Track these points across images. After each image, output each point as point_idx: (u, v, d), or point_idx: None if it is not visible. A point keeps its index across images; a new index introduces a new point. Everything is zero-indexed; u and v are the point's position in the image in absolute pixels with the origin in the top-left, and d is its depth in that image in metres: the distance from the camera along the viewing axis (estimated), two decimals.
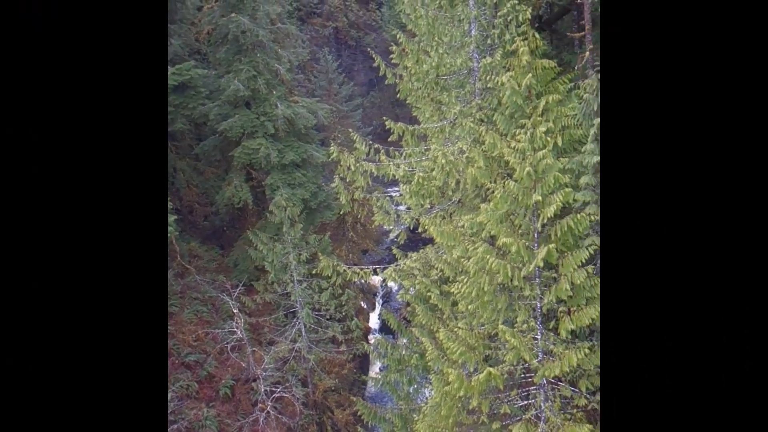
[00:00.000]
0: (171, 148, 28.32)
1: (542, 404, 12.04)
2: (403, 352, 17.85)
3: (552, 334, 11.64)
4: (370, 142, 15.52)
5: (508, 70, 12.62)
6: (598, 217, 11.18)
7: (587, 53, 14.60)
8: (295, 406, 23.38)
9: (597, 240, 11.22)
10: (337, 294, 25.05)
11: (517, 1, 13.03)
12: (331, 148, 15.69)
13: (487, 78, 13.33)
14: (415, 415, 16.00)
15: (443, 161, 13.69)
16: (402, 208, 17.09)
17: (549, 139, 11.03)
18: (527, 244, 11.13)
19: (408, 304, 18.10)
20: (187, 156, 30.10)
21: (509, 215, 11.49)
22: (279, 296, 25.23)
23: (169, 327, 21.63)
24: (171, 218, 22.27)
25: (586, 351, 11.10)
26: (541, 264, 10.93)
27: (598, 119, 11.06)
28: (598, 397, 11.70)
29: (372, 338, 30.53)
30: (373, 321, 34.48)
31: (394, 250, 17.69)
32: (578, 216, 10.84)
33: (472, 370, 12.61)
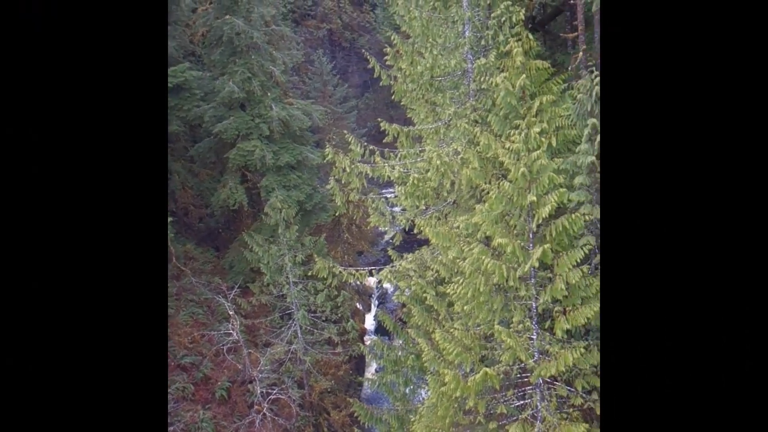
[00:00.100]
0: None
1: (538, 404, 12.07)
2: (399, 353, 17.87)
3: (548, 333, 11.68)
4: (365, 143, 15.54)
5: (502, 71, 12.66)
6: (593, 217, 11.23)
7: (580, 54, 14.67)
8: (292, 408, 23.36)
9: (592, 240, 11.27)
10: (332, 295, 25.04)
11: (510, 3, 13.07)
12: (326, 149, 15.71)
13: (482, 79, 13.37)
14: (411, 416, 16.03)
15: (438, 162, 13.72)
16: (397, 209, 17.12)
17: (543, 139, 11.07)
18: (522, 244, 11.17)
19: (404, 306, 18.10)
20: (182, 158, 30.06)
21: (504, 216, 11.52)
22: (275, 298, 25.21)
23: None
24: None
25: (582, 350, 11.14)
26: (537, 264, 10.97)
27: (592, 119, 11.11)
28: (594, 396, 11.75)
29: (368, 339, 30.54)
30: (369, 322, 34.52)
31: (390, 252, 17.71)
32: (573, 216, 10.88)
33: (468, 370, 12.63)
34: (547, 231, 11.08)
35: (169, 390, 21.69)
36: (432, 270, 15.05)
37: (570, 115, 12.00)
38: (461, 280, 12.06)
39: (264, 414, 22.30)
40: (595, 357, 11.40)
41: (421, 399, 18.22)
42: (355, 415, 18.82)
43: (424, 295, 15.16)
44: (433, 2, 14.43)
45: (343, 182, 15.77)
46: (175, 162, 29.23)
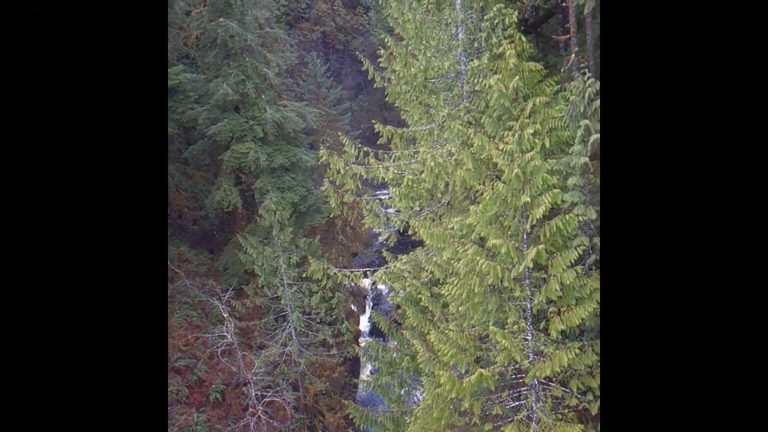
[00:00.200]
0: None
1: (534, 405, 12.09)
2: (394, 355, 17.87)
3: (542, 334, 11.71)
4: (359, 145, 15.56)
5: (496, 72, 12.70)
6: (586, 218, 11.28)
7: (572, 56, 14.72)
8: (286, 411, 23.33)
9: (585, 240, 11.31)
10: (327, 297, 25.03)
11: (503, 5, 13.12)
12: (321, 151, 15.72)
13: (475, 81, 13.41)
14: (406, 418, 16.03)
15: (432, 164, 13.75)
16: (391, 210, 17.14)
17: (537, 140, 11.12)
18: (517, 245, 11.20)
19: (398, 307, 18.14)
20: (176, 160, 30.01)
21: (498, 217, 11.56)
22: (269, 300, 25.18)
23: None
24: None
25: (577, 351, 11.17)
26: (531, 265, 11.00)
27: (585, 121, 11.16)
28: (589, 396, 11.78)
29: (362, 341, 30.52)
30: (364, 324, 34.49)
31: (384, 253, 17.72)
32: (567, 217, 10.92)
33: (463, 371, 12.65)
34: (541, 232, 11.11)
35: None
36: (426, 271, 15.06)
37: (563, 116, 12.05)
38: (456, 281, 12.08)
39: (258, 417, 22.26)
40: (590, 357, 11.44)
41: (416, 401, 18.20)
42: (350, 417, 18.80)
43: (419, 296, 15.17)
44: (427, 4, 14.46)
45: (337, 184, 15.78)
46: (169, 164, 29.15)
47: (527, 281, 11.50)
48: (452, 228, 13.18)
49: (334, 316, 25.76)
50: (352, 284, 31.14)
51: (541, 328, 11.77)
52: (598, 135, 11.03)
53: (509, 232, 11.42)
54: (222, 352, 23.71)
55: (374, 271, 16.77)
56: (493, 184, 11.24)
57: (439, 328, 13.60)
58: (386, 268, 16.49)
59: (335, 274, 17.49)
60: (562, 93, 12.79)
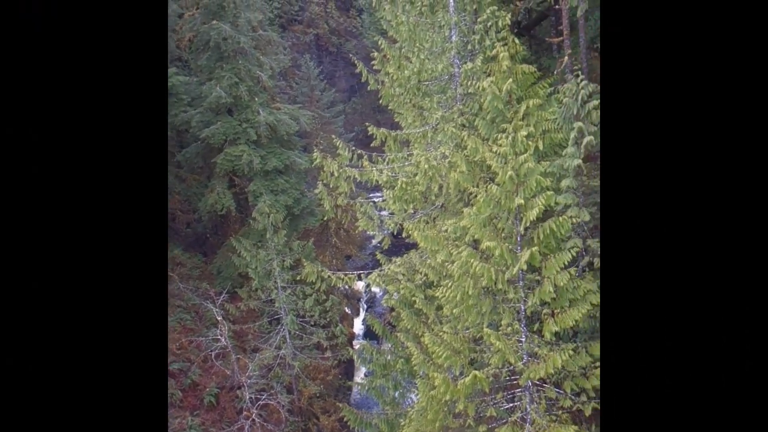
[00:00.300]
0: None
1: (528, 406, 12.11)
2: (388, 357, 17.86)
3: (536, 336, 11.74)
4: (353, 147, 15.57)
5: (489, 75, 12.73)
6: (580, 220, 11.31)
7: (566, 58, 14.76)
8: (281, 414, 23.28)
9: (579, 242, 11.34)
10: (321, 300, 25.01)
11: (496, 7, 13.16)
12: (314, 154, 15.72)
13: (468, 83, 13.44)
14: (401, 420, 16.03)
15: (426, 166, 13.77)
16: (385, 213, 17.15)
17: (530, 143, 11.15)
18: (510, 247, 11.22)
19: (392, 309, 18.12)
20: (169, 163, 29.90)
21: (492, 219, 11.58)
22: (263, 303, 25.14)
23: None
24: None
25: (570, 352, 11.20)
26: (525, 267, 11.02)
27: (578, 123, 11.21)
28: (583, 398, 11.80)
29: (357, 344, 30.46)
30: (358, 326, 34.48)
31: (378, 256, 17.72)
32: (560, 219, 10.95)
33: (457, 373, 12.67)
34: (535, 234, 11.14)
35: None
36: (420, 273, 15.07)
37: (556, 118, 12.09)
38: (450, 284, 12.09)
39: (253, 420, 22.20)
40: (584, 359, 11.47)
41: (410, 403, 18.21)
42: (345, 419, 18.77)
43: (413, 298, 15.18)
44: (420, 7, 14.49)
45: (331, 187, 15.78)
46: None
47: (521, 283, 11.53)
48: (446, 230, 13.20)
49: (328, 319, 25.75)
50: (346, 287, 31.19)
51: (535, 329, 11.80)
52: (592, 137, 11.07)
53: (503, 235, 11.45)
54: (216, 355, 23.63)
55: (368, 274, 16.76)
56: (486, 187, 11.27)
57: (433, 330, 13.61)
58: (380, 270, 16.49)
59: (329, 276, 17.49)
60: (555, 95, 12.83)
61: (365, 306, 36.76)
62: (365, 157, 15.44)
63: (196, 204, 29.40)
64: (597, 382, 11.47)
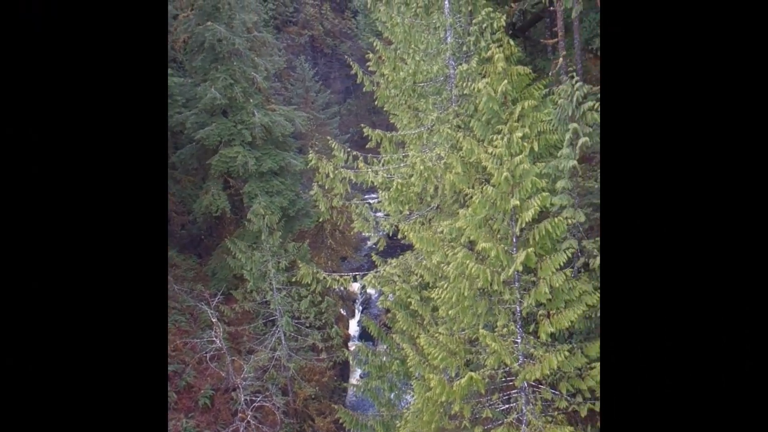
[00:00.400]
0: None
1: (523, 407, 12.12)
2: (384, 359, 17.85)
3: (532, 337, 11.74)
4: (348, 149, 15.56)
5: (484, 76, 12.74)
6: (575, 221, 11.33)
7: (560, 59, 14.81)
8: (276, 415, 23.23)
9: (574, 243, 11.36)
10: (316, 301, 24.96)
11: (491, 9, 13.19)
12: (310, 155, 15.71)
13: (464, 85, 13.46)
14: (396, 422, 16.01)
15: (421, 167, 13.77)
16: (381, 214, 17.12)
17: (525, 144, 11.16)
18: (506, 248, 11.23)
19: (388, 311, 18.10)
20: None
21: (488, 220, 11.58)
22: (258, 305, 25.09)
23: None
24: None
25: (566, 353, 11.21)
26: (520, 268, 11.03)
27: (573, 124, 11.23)
28: (578, 399, 11.82)
29: (352, 345, 30.45)
30: (353, 328, 34.45)
31: (374, 257, 17.71)
32: (555, 220, 10.96)
33: (453, 375, 12.66)
34: (531, 235, 11.15)
35: None
36: (416, 275, 15.08)
37: (551, 119, 12.12)
38: (445, 285, 12.09)
39: (248, 422, 22.15)
40: (579, 360, 11.49)
41: (406, 404, 18.17)
42: (340, 421, 18.76)
43: (409, 300, 15.17)
44: (415, 8, 14.50)
45: (326, 188, 15.76)
46: None
47: (517, 284, 11.53)
48: (442, 232, 13.20)
49: (323, 321, 25.71)
50: (342, 288, 31.22)
51: (530, 330, 11.81)
52: (587, 138, 11.10)
53: (498, 236, 11.46)
54: (211, 357, 23.58)
55: (364, 275, 16.76)
56: (482, 188, 11.28)
57: (428, 331, 13.60)
58: (376, 272, 16.48)
59: (324, 278, 17.47)
60: (550, 96, 12.86)
61: (361, 307, 36.73)
62: (360, 158, 15.43)
63: (191, 205, 29.33)
64: (592, 383, 11.49)
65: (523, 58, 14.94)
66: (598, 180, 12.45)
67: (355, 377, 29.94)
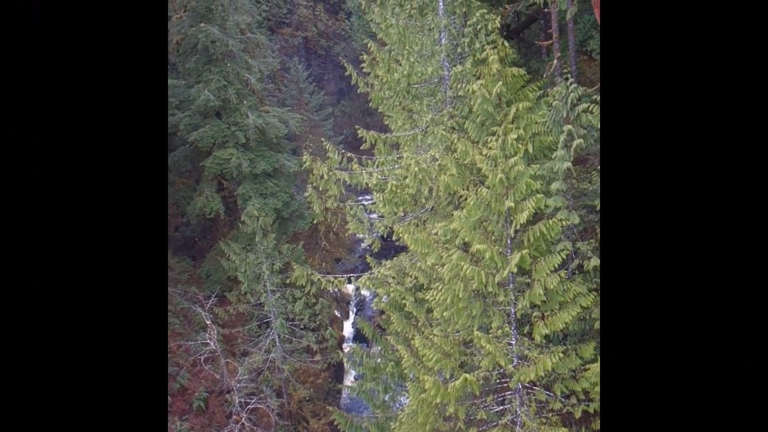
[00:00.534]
0: None
1: (518, 409, 12.12)
2: (378, 360, 17.83)
3: (526, 339, 11.75)
4: (343, 150, 15.55)
5: (479, 78, 12.76)
6: (570, 222, 11.35)
7: (555, 61, 14.85)
8: (270, 417, 23.19)
9: (569, 245, 11.38)
10: (310, 303, 24.93)
11: (485, 11, 13.20)
12: (304, 157, 15.67)
13: (458, 86, 13.47)
14: (391, 423, 16.00)
15: (416, 169, 13.76)
16: (375, 216, 17.12)
17: (520, 146, 11.17)
18: (501, 250, 11.23)
19: (382, 312, 18.09)
20: None
21: (482, 222, 11.58)
22: (252, 307, 25.05)
23: None
24: None
25: (560, 355, 11.22)
26: (515, 270, 11.03)
27: (568, 126, 11.25)
28: (572, 400, 11.83)
29: (346, 347, 30.42)
30: (348, 330, 34.40)
31: (368, 259, 17.70)
32: (550, 221, 10.97)
33: (448, 376, 12.65)
34: (525, 236, 11.16)
35: None
36: (411, 276, 15.06)
37: (546, 121, 12.14)
38: (440, 287, 12.09)
39: (242, 424, 22.10)
40: (574, 361, 11.50)
41: (401, 406, 18.19)
42: (335, 423, 18.71)
43: (403, 301, 15.16)
44: (410, 10, 14.50)
45: (320, 189, 15.74)
46: None
47: (511, 286, 11.54)
48: (436, 233, 13.20)
49: (317, 322, 25.68)
50: (336, 290, 31.16)
51: (525, 332, 11.81)
52: (581, 140, 11.13)
53: (493, 237, 11.46)
54: (205, 359, 23.52)
55: (358, 277, 16.75)
56: (476, 190, 11.28)
57: (423, 333, 13.59)
58: (370, 273, 16.47)
59: (319, 280, 17.43)
60: (544, 98, 12.89)
61: (355, 309, 36.68)
62: (355, 160, 15.41)
63: (185, 208, 29.25)
64: (587, 385, 11.51)
65: (517, 60, 14.98)
66: (593, 182, 12.48)
67: (349, 379, 29.90)
